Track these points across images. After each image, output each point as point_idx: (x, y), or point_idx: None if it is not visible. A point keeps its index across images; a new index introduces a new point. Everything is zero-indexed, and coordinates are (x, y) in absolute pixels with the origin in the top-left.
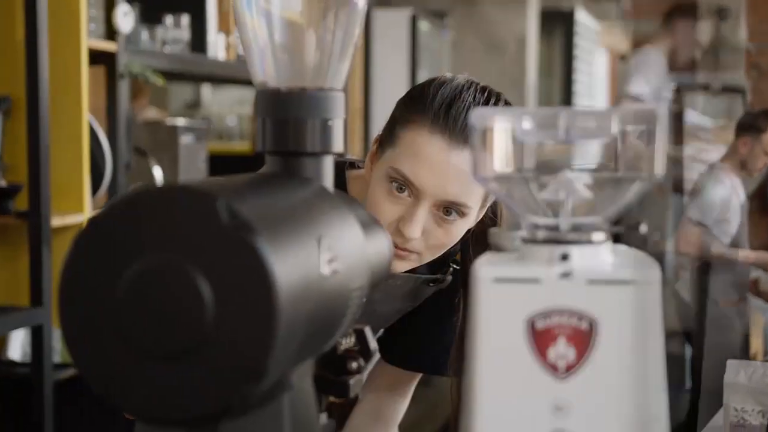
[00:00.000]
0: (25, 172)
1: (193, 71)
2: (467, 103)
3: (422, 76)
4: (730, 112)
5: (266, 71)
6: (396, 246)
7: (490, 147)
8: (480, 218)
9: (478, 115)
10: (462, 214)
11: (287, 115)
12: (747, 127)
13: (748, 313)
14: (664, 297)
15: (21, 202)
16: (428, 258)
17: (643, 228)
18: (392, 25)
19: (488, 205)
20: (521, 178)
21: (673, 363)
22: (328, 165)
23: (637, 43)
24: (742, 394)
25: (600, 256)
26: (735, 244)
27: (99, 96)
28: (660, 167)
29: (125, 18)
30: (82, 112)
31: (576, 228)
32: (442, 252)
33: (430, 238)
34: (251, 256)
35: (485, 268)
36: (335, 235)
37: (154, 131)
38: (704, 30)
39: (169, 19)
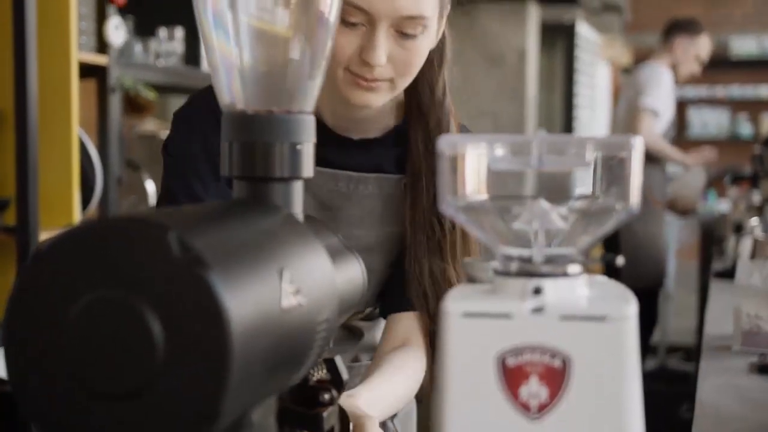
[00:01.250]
0: (14, 187)
1: (187, 84)
2: None
3: None
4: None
5: (233, 93)
6: (364, 78)
7: (459, 175)
8: (441, 34)
9: (447, 142)
10: (422, 27)
11: (254, 139)
12: (682, 29)
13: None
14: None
15: (9, 217)
16: (402, 85)
17: (620, 260)
18: None
19: (446, 15)
20: (492, 207)
21: None
22: (297, 190)
23: (639, 56)
24: (755, 298)
25: (575, 289)
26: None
27: (90, 109)
28: (636, 199)
29: (116, 31)
30: (72, 125)
31: (550, 259)
32: (413, 76)
33: (396, 61)
34: (203, 292)
35: (454, 303)
36: (300, 266)
37: (149, 144)
38: (705, 44)
39: (162, 32)
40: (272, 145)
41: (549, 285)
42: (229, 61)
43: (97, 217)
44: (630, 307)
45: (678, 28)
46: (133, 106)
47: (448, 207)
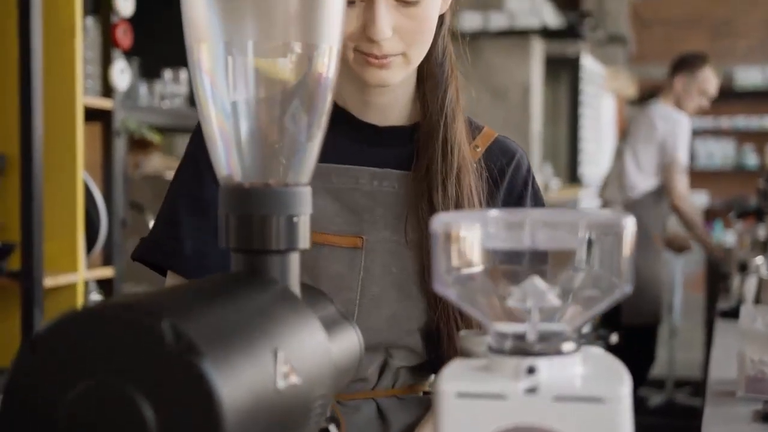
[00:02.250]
0: (19, 231)
1: (192, 125)
2: None
3: None
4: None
5: (231, 166)
6: (374, 56)
7: (452, 252)
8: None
9: (440, 220)
10: None
11: (251, 212)
12: (681, 66)
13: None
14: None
15: (14, 262)
16: (417, 57)
17: (614, 338)
18: None
19: None
20: (486, 285)
21: None
22: (293, 262)
23: (644, 88)
24: (759, 343)
25: (569, 368)
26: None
27: (95, 152)
28: (628, 280)
29: (122, 75)
30: (77, 170)
31: (544, 337)
32: (426, 45)
33: (403, 32)
34: (196, 380)
35: (448, 382)
36: (295, 344)
37: (154, 185)
38: (707, 78)
39: (168, 74)
40: (269, 217)
41: (543, 364)
42: (227, 135)
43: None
44: (624, 387)
45: (679, 64)
46: (139, 142)
47: (441, 284)
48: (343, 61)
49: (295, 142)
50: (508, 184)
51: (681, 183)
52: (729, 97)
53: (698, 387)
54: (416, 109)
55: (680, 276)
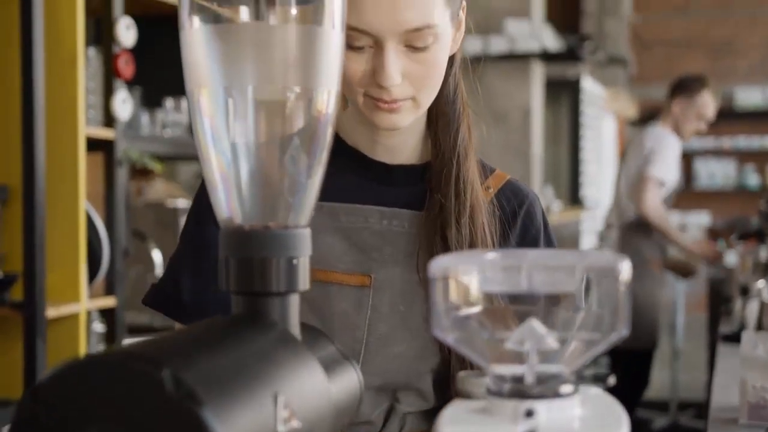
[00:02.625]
0: (21, 262)
1: (193, 153)
2: None
3: None
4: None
5: (231, 208)
6: (384, 101)
7: (451, 296)
8: (460, 36)
9: (437, 265)
10: (432, 37)
11: (251, 255)
12: (680, 89)
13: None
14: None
15: (16, 292)
16: (426, 101)
17: (611, 380)
18: None
19: (462, 12)
20: (484, 327)
21: None
22: (293, 304)
23: (645, 109)
24: (761, 370)
25: (567, 410)
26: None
27: (97, 182)
28: (624, 323)
29: (123, 105)
30: (79, 200)
31: (542, 379)
32: (436, 88)
33: (413, 77)
34: (197, 429)
35: (448, 425)
36: (294, 389)
37: (156, 213)
38: (705, 102)
39: (169, 103)
40: (269, 260)
41: (541, 407)
42: (227, 178)
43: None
44: (622, 430)
45: (677, 88)
46: (141, 169)
47: (439, 327)
48: (353, 103)
49: (295, 185)
50: (520, 230)
51: (650, 193)
52: (730, 117)
53: (702, 409)
54: (427, 148)
55: (682, 297)
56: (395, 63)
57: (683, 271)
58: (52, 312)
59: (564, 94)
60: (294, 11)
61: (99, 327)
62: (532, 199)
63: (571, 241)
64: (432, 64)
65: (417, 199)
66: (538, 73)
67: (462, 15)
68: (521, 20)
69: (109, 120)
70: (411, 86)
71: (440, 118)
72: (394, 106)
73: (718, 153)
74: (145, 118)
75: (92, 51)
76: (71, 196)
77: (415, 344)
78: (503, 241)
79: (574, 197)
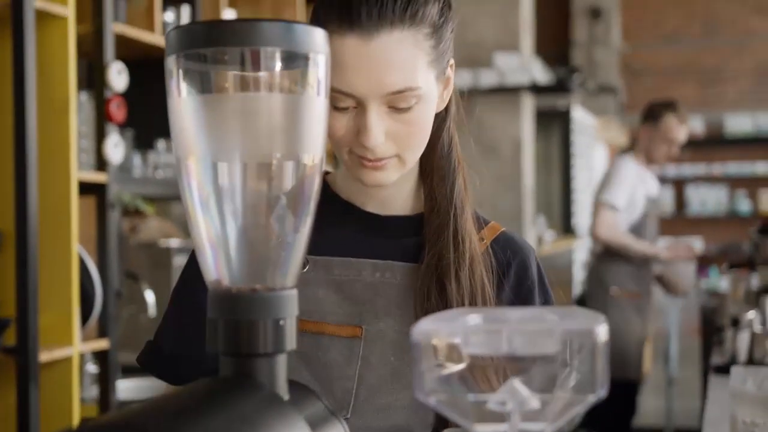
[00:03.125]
0: (14, 307)
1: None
2: None
3: None
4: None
5: (219, 271)
6: (368, 159)
7: (434, 359)
8: (448, 94)
9: (420, 330)
10: (415, 98)
11: (239, 317)
12: (646, 116)
13: (648, 313)
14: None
15: (9, 337)
16: (412, 158)
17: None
18: None
19: (449, 71)
20: (466, 389)
21: None
22: (281, 364)
23: (636, 136)
24: (750, 405)
25: None
26: (636, 234)
27: (90, 225)
28: (602, 384)
29: (115, 149)
30: (72, 243)
31: None
32: (422, 146)
33: (397, 137)
34: None
35: None
36: None
37: (149, 253)
38: (669, 126)
39: (161, 144)
40: (256, 322)
41: None
42: (214, 242)
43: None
44: None
45: (643, 116)
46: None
47: (421, 391)
48: (341, 160)
49: (281, 248)
50: (514, 282)
51: (600, 218)
52: (720, 143)
53: None
54: (419, 199)
55: (676, 325)
56: (378, 124)
57: (675, 290)
58: (45, 356)
59: (554, 125)
60: (279, 80)
61: (92, 368)
62: (527, 251)
63: (565, 270)
64: (415, 124)
65: (411, 251)
66: (528, 105)
67: (450, 72)
68: (510, 54)
69: (101, 164)
70: (395, 145)
71: (435, 172)
72: (378, 164)
73: (710, 179)
74: (137, 159)
75: (84, 96)
76: (64, 240)
77: (406, 396)
78: (499, 292)
79: (566, 226)
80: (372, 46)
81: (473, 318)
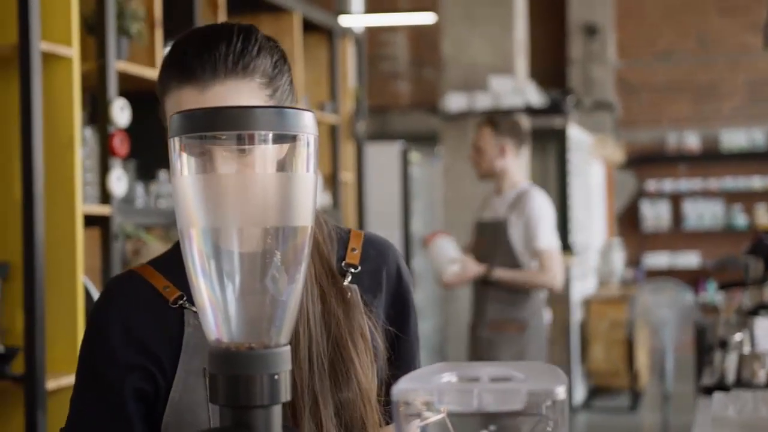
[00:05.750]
0: (22, 337)
1: None
2: (196, 39)
3: (415, 204)
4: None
5: (219, 330)
6: None
7: (411, 418)
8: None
9: (399, 390)
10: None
11: (237, 372)
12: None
13: (524, 345)
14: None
15: (17, 366)
16: None
17: None
18: (384, 156)
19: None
20: None
21: None
22: (276, 414)
23: (632, 153)
24: (731, 431)
25: None
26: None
27: (94, 256)
28: None
29: (118, 182)
30: (77, 274)
31: None
32: None
33: None
34: None
35: None
36: None
37: None
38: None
39: (163, 174)
40: (253, 377)
41: None
42: (215, 305)
43: None
44: None
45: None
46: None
47: None
48: None
49: (276, 309)
50: (388, 285)
51: None
52: (716, 158)
53: None
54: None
55: (671, 342)
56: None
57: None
58: (52, 384)
59: (550, 143)
60: (272, 159)
61: None
62: (392, 248)
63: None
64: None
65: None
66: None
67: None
68: (505, 77)
69: (105, 197)
70: None
71: None
72: None
73: (706, 194)
74: (140, 189)
75: (88, 131)
76: (69, 271)
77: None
78: (375, 301)
79: (563, 244)
80: (207, 95)
81: (447, 378)
